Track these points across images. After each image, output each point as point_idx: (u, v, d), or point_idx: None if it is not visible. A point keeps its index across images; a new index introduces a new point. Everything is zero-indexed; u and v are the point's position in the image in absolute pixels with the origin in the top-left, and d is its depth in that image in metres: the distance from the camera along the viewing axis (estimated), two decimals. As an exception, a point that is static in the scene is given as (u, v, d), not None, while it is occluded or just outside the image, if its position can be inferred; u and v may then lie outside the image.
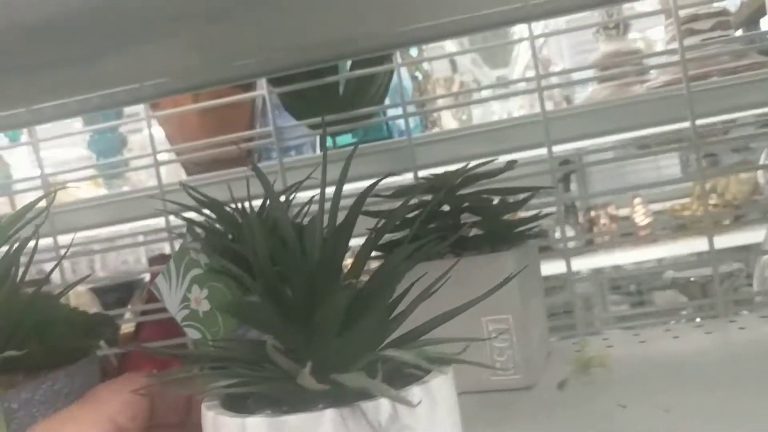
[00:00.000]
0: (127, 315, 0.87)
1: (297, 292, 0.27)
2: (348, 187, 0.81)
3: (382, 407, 0.23)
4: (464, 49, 0.93)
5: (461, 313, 0.30)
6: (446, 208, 0.56)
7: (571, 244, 2.00)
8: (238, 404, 0.26)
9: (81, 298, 1.52)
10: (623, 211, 2.20)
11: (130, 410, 0.29)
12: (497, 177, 0.57)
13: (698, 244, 1.81)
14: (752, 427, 0.39)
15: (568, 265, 0.67)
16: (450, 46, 1.01)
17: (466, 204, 0.54)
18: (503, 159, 0.62)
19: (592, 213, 2.16)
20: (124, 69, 0.64)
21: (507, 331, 0.51)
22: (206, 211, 0.45)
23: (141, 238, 1.06)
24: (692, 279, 0.78)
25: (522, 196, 0.56)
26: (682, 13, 0.77)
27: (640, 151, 0.72)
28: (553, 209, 0.67)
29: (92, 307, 1.12)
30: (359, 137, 0.87)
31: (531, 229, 0.56)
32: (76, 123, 1.00)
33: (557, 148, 0.69)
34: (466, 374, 0.52)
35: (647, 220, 2.09)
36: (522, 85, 0.74)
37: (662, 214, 2.20)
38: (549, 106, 2.09)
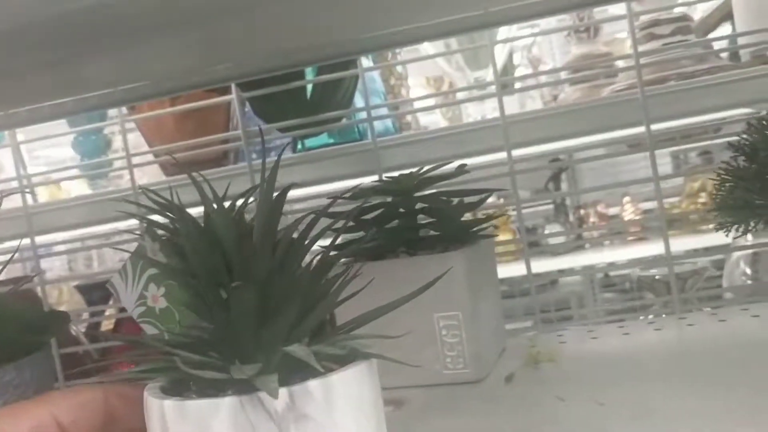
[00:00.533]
0: (110, 311, 0.90)
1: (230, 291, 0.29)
2: (319, 189, 0.83)
3: (278, 396, 0.25)
4: (438, 52, 0.95)
5: (392, 310, 0.32)
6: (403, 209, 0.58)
7: (560, 242, 2.02)
8: (182, 389, 0.29)
9: (72, 296, 1.54)
10: (613, 210, 2.22)
11: (76, 413, 0.30)
12: (457, 179, 0.59)
13: (687, 242, 1.83)
14: (678, 422, 0.41)
15: (528, 267, 0.69)
16: (429, 48, 1.04)
17: (421, 206, 0.57)
18: (471, 161, 0.64)
19: (582, 212, 2.18)
20: (100, 74, 0.66)
21: (457, 327, 0.53)
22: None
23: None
24: (657, 277, 0.80)
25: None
26: (644, 17, 0.79)
27: (601, 153, 0.74)
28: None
29: (80, 304, 1.15)
30: (335, 139, 0.90)
31: (484, 229, 0.58)
32: (62, 125, 1.03)
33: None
34: (419, 369, 0.55)
35: (636, 219, 2.11)
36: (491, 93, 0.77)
37: (652, 212, 2.22)
38: (538, 103, 2.09)
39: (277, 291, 0.29)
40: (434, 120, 2.00)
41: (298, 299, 0.29)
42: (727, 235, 0.44)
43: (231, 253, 0.30)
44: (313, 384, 0.26)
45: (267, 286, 0.28)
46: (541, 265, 1.95)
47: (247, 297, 0.27)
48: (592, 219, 2.16)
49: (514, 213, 1.95)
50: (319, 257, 0.31)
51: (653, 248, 1.95)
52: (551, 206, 2.26)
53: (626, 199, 2.19)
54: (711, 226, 1.57)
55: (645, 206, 2.24)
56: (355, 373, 0.28)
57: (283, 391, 0.25)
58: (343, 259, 0.51)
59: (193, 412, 0.26)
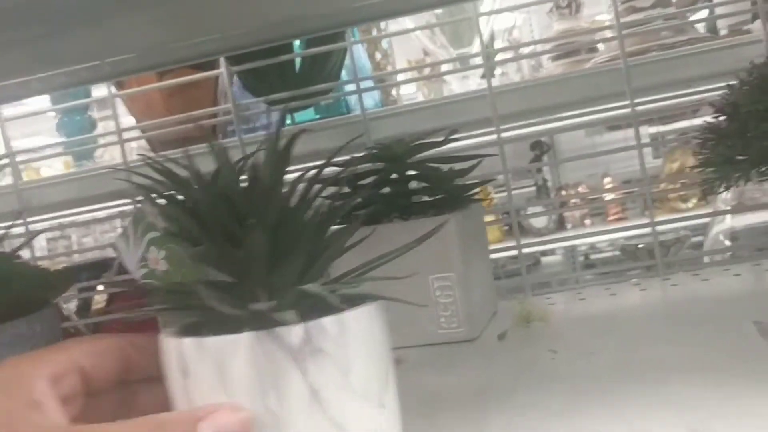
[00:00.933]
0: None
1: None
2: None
3: (294, 331, 0.26)
4: (419, 26, 0.96)
5: (389, 261, 0.33)
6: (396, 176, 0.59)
7: (542, 223, 2.05)
8: (196, 332, 0.29)
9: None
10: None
11: (94, 359, 0.30)
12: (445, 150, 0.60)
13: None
14: (664, 369, 0.43)
15: (517, 238, 0.70)
16: (410, 26, 1.05)
17: (412, 172, 0.58)
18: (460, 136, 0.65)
19: (563, 193, 2.20)
20: (87, 47, 0.66)
21: (451, 288, 0.55)
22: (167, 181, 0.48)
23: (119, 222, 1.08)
24: (640, 246, 0.82)
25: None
26: (625, -9, 0.81)
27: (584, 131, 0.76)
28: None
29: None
30: (322, 113, 0.90)
31: (474, 194, 0.59)
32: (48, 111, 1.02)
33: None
34: (415, 329, 0.56)
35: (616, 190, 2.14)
36: (476, 64, 0.78)
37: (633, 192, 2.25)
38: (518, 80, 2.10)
39: (287, 236, 0.30)
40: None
41: (307, 244, 0.30)
42: (712, 190, 0.46)
43: (241, 202, 0.31)
44: (327, 320, 0.27)
45: (277, 230, 0.29)
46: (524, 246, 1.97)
47: (258, 240, 0.27)
48: (573, 201, 2.19)
49: (498, 195, 1.97)
50: (323, 210, 0.32)
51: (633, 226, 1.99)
52: (533, 189, 2.29)
53: (607, 179, 2.22)
54: (690, 204, 1.59)
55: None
56: (366, 312, 0.29)
57: (298, 327, 0.26)
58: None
59: (211, 348, 0.26)
